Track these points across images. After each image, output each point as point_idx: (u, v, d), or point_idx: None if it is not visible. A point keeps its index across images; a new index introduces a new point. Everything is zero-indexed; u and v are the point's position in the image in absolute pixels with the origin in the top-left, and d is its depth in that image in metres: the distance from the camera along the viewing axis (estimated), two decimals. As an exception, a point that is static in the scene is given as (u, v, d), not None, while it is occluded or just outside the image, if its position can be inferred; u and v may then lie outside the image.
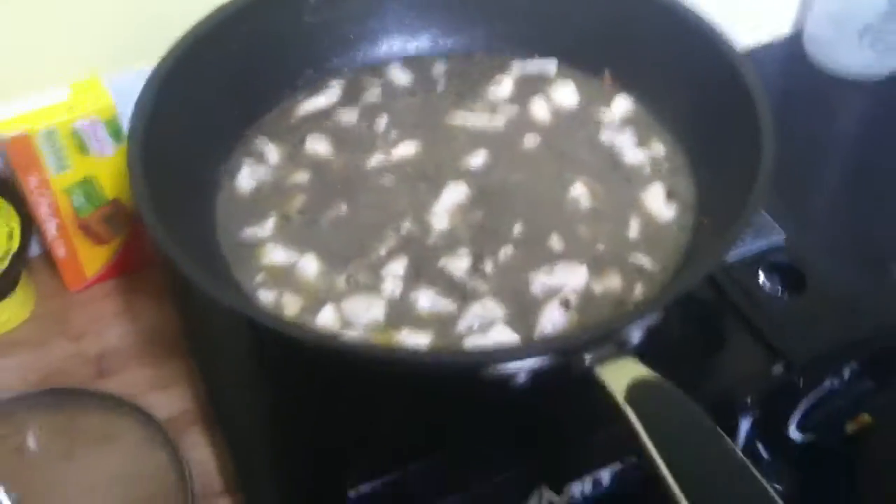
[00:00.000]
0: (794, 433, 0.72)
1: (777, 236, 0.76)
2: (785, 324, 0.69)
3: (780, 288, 0.74)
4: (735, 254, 0.73)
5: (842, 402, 0.71)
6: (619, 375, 0.52)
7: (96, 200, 0.78)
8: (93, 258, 0.81)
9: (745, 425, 0.70)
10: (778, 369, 0.67)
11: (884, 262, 0.81)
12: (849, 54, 1.03)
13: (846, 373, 0.70)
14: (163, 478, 0.68)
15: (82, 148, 0.75)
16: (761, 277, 0.73)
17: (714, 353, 0.69)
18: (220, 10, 0.73)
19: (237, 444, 0.67)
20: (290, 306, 0.63)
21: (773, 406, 0.70)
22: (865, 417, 0.73)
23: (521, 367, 0.54)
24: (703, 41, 0.71)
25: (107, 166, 0.77)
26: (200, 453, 0.71)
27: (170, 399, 0.75)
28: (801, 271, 0.74)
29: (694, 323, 0.69)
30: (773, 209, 0.77)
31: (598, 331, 0.55)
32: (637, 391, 0.51)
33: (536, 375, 0.55)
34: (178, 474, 0.68)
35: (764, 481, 0.47)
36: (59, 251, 0.79)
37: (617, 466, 0.68)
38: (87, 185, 0.77)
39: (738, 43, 1.01)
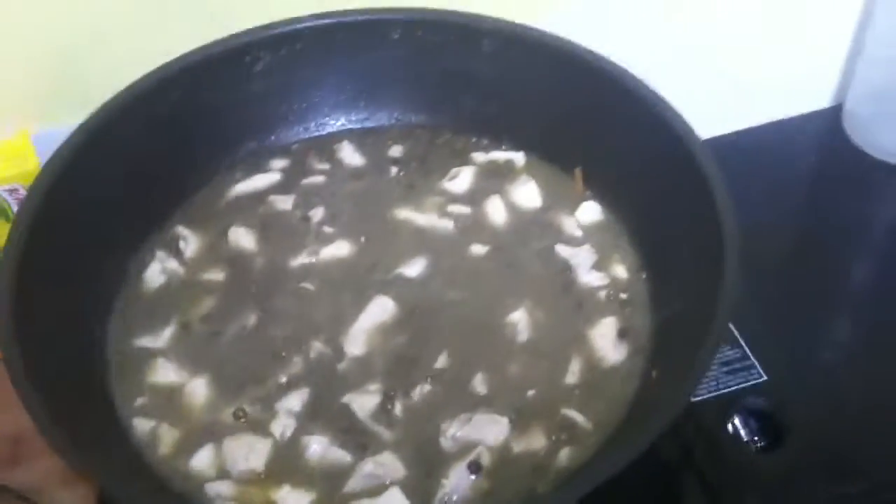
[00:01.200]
0: None
1: (755, 376, 0.65)
2: (753, 491, 0.59)
3: (755, 438, 0.64)
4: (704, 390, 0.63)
5: None
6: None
7: (18, 270, 0.72)
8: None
9: None
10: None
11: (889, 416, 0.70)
12: (891, 136, 0.91)
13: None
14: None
15: (4, 214, 0.71)
16: (734, 426, 0.64)
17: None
18: (151, 75, 0.67)
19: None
20: (166, 440, 0.56)
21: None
22: None
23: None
24: (676, 146, 0.62)
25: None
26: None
27: (78, 497, 0.68)
28: (781, 420, 0.64)
29: (643, 480, 0.59)
30: (754, 337, 0.67)
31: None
32: None
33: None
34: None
35: None
36: (-24, 322, 0.74)
37: None
38: (7, 254, 0.71)
39: (773, 114, 0.94)
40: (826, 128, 0.97)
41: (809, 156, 0.97)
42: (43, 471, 0.70)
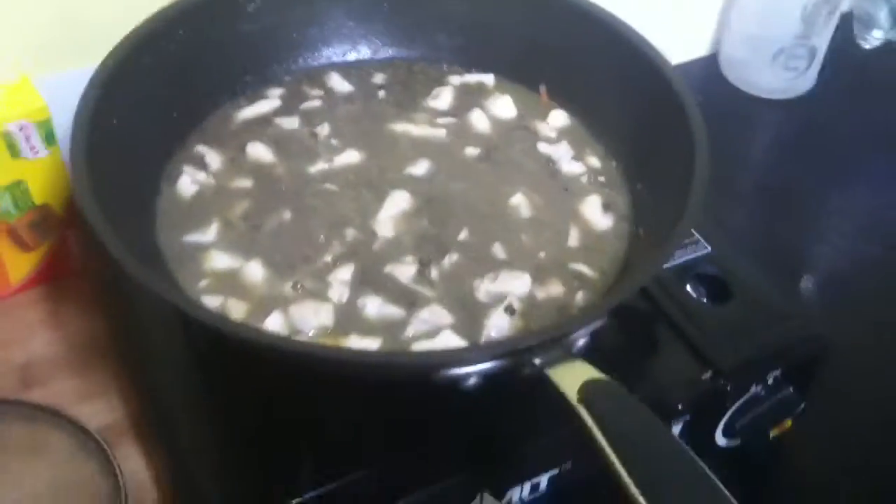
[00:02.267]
0: (720, 439, 0.75)
1: (703, 248, 0.78)
2: (712, 332, 0.72)
3: (705, 298, 0.76)
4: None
5: (766, 409, 0.74)
6: (571, 377, 0.53)
7: (24, 205, 0.76)
8: (19, 265, 0.79)
9: (675, 430, 0.72)
10: (707, 376, 0.70)
11: (801, 274, 0.85)
12: (763, 75, 1.07)
13: (770, 380, 0.73)
14: (95, 489, 0.66)
15: (12, 150, 0.73)
16: (688, 287, 0.76)
17: (647, 360, 0.71)
18: (158, 15, 0.73)
19: (176, 453, 0.66)
20: (236, 312, 0.63)
21: (702, 412, 0.72)
22: (787, 423, 0.76)
23: (474, 371, 0.54)
24: (636, 56, 0.74)
25: (37, 170, 0.75)
26: (134, 464, 0.69)
27: (99, 409, 0.72)
28: (726, 281, 0.76)
29: (629, 330, 0.71)
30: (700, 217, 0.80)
31: (546, 334, 0.57)
32: (588, 392, 0.52)
33: (488, 379, 0.56)
34: (111, 485, 0.66)
35: (711, 474, 0.49)
36: (-16, 256, 0.77)
37: (554, 471, 0.69)
38: (15, 190, 0.75)
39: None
40: (707, 72, 1.13)
41: (696, 97, 1.12)
42: (56, 392, 0.74)
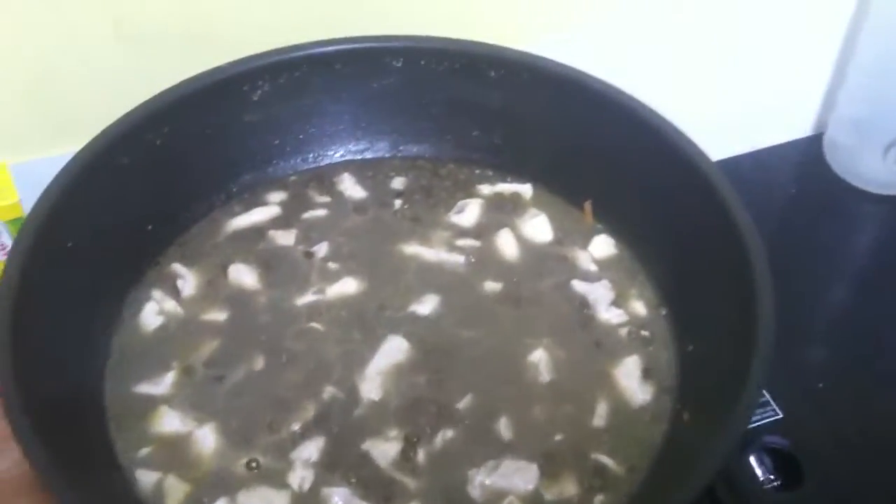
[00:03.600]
0: None
1: (772, 413, 0.64)
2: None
3: (772, 476, 0.62)
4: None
5: None
6: None
7: (-6, 308, 0.67)
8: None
9: None
10: None
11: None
12: (871, 165, 0.92)
13: None
14: None
15: (-18, 249, 0.66)
16: (752, 460, 0.62)
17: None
18: (145, 105, 0.64)
19: None
20: (173, 495, 0.53)
21: None
22: None
23: None
24: (693, 175, 0.61)
25: (7, 270, 0.66)
26: None
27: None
28: (798, 459, 0.62)
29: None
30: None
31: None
32: None
33: None
34: None
35: None
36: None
37: None
38: (-17, 292, 0.67)
39: (754, 142, 0.94)
40: (807, 156, 0.98)
41: (791, 184, 0.97)
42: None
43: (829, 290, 0.85)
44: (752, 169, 0.96)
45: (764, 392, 0.66)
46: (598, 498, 0.53)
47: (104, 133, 0.62)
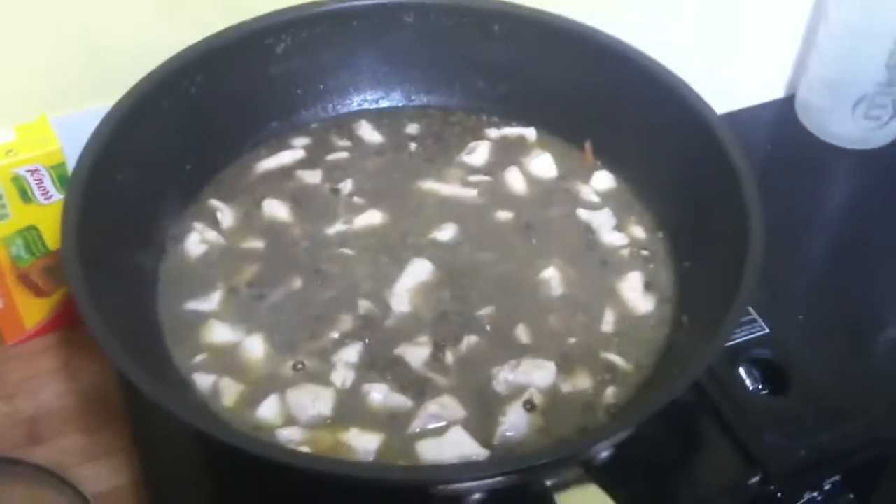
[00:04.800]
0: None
1: (760, 329, 0.71)
2: (764, 429, 0.65)
3: (760, 385, 0.69)
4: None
5: (821, 517, 0.67)
6: (581, 505, 0.47)
7: (37, 250, 0.73)
8: (32, 310, 0.76)
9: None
10: (754, 481, 0.62)
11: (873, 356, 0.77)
12: (841, 123, 0.99)
13: (827, 486, 0.65)
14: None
15: (25, 195, 0.70)
16: (741, 374, 0.69)
17: (688, 458, 0.64)
18: (179, 56, 0.69)
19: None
20: (229, 393, 0.58)
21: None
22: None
23: (476, 487, 0.48)
24: (686, 112, 0.67)
25: (50, 215, 0.71)
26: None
27: (102, 472, 0.69)
28: (784, 368, 0.69)
29: (667, 423, 0.63)
30: (754, 297, 0.72)
31: (561, 452, 0.50)
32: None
33: (493, 494, 0.50)
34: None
35: None
36: (-4, 302, 0.74)
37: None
38: (27, 234, 0.72)
39: (729, 104, 1.00)
40: (781, 116, 1.04)
41: (768, 141, 1.04)
42: (62, 449, 0.70)
43: (808, 233, 0.92)
44: (730, 128, 1.02)
45: (752, 310, 0.72)
46: (610, 389, 0.59)
47: (144, 80, 0.67)
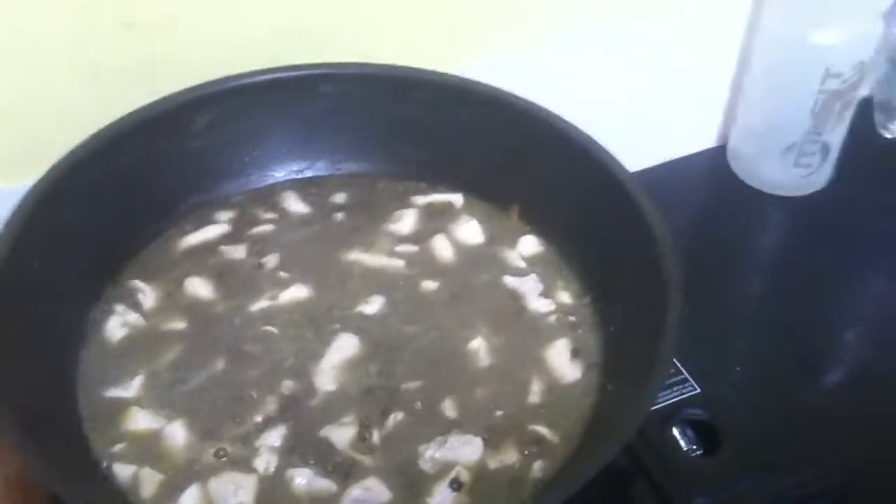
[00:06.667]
0: None
1: (691, 389, 0.71)
2: (696, 491, 0.65)
3: (695, 446, 0.69)
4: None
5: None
6: None
7: (-43, 336, 0.71)
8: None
9: None
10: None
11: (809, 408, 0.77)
12: (772, 171, 1.00)
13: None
14: None
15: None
16: (675, 435, 0.69)
17: (621, 526, 0.64)
18: (95, 136, 0.68)
19: None
20: (149, 484, 0.57)
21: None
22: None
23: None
24: (605, 178, 0.67)
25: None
26: None
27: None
28: (716, 428, 0.69)
29: (599, 490, 0.63)
30: (684, 356, 0.72)
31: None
32: None
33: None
34: None
35: None
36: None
37: None
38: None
39: (663, 155, 1.01)
40: (713, 165, 1.06)
41: (700, 190, 1.05)
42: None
43: (740, 283, 0.93)
44: (662, 178, 1.03)
45: (683, 370, 0.72)
46: (538, 463, 0.59)
47: (60, 163, 0.65)
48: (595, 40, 0.91)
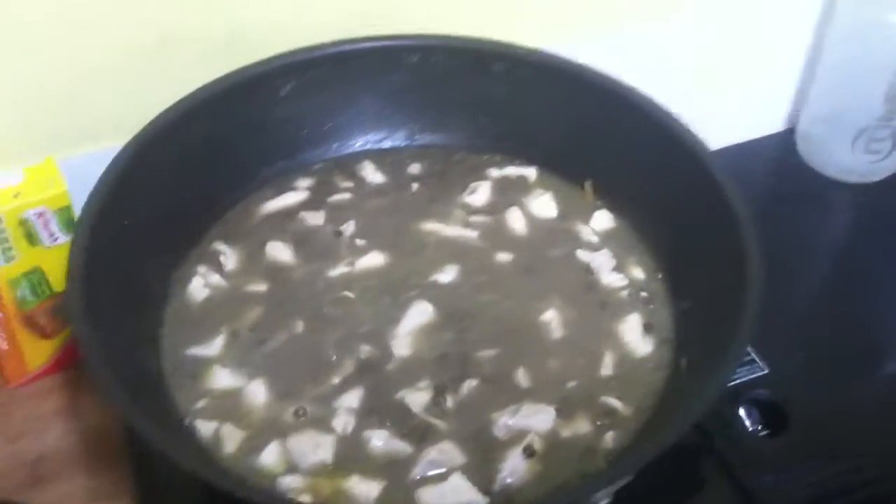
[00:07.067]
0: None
1: (759, 369, 0.71)
2: (765, 470, 0.65)
3: (760, 426, 0.69)
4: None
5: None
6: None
7: (42, 292, 0.73)
8: (36, 352, 0.76)
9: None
10: (756, 521, 0.63)
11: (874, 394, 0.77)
12: (841, 156, 0.99)
13: (827, 524, 0.66)
14: None
15: (31, 238, 0.71)
16: (741, 415, 0.69)
17: (688, 501, 0.64)
18: (184, 100, 0.69)
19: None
20: (230, 440, 0.58)
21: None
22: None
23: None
24: (684, 154, 0.68)
25: (56, 257, 0.72)
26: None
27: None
28: (783, 408, 0.69)
29: (667, 466, 0.63)
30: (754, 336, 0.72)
31: (561, 499, 0.51)
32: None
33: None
34: None
35: None
36: (1, 344, 0.74)
37: None
38: (33, 277, 0.73)
39: (731, 138, 1.01)
40: (782, 149, 1.05)
41: (769, 174, 1.05)
42: (65, 492, 0.71)
43: (808, 268, 0.92)
44: (731, 161, 1.02)
45: (751, 350, 0.73)
46: (609, 434, 0.60)
47: (151, 124, 0.67)
48: (669, 21, 0.90)
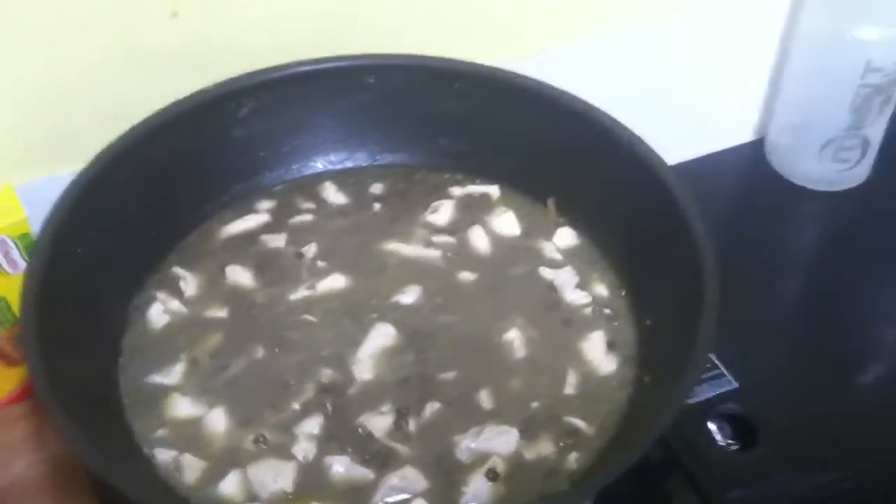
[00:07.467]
0: None
1: (728, 383, 0.71)
2: (732, 485, 0.65)
3: (730, 441, 0.69)
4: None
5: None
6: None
7: (7, 320, 0.73)
8: (3, 380, 0.75)
9: None
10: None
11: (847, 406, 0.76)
12: (810, 165, 0.99)
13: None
14: None
15: (-9, 265, 0.70)
16: (711, 430, 0.69)
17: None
18: (140, 125, 0.69)
19: None
20: (191, 470, 0.58)
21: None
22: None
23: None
24: (643, 172, 0.67)
25: (18, 285, 0.71)
26: None
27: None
28: (753, 422, 0.69)
29: (634, 483, 0.63)
30: (722, 351, 0.72)
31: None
32: None
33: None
34: None
35: None
36: (-34, 373, 0.74)
37: None
38: (-5, 305, 0.72)
39: (700, 149, 1.01)
40: (751, 159, 1.05)
41: (738, 183, 1.05)
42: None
43: (778, 278, 0.92)
44: (700, 172, 1.03)
45: (720, 365, 0.72)
46: (573, 455, 0.59)
47: (105, 152, 0.67)
48: (635, 35, 0.90)
